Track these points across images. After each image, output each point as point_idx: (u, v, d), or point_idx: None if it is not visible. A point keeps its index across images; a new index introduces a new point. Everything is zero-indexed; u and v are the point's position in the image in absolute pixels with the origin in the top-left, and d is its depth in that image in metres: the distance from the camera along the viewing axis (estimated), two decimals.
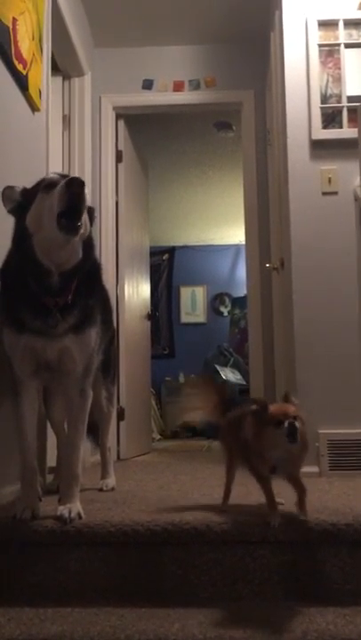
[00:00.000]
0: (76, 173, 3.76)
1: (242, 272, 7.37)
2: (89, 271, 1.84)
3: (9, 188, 1.79)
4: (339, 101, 3.13)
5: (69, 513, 1.73)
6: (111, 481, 2.48)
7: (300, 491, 1.71)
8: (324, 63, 3.16)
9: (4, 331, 1.83)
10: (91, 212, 1.84)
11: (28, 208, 1.75)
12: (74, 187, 1.67)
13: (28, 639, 1.41)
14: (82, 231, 1.73)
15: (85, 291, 1.83)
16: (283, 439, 1.60)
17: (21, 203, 1.77)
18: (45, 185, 1.74)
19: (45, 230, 1.71)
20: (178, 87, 4.23)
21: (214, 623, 1.48)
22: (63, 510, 1.75)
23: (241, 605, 1.61)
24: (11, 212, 1.79)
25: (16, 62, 2.29)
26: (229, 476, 1.93)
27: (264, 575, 1.68)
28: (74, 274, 1.78)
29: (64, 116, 3.77)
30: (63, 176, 1.79)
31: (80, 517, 1.75)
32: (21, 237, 1.76)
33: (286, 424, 1.59)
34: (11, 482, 2.04)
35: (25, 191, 1.80)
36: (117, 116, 4.30)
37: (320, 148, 3.12)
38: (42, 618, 1.52)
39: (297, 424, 1.61)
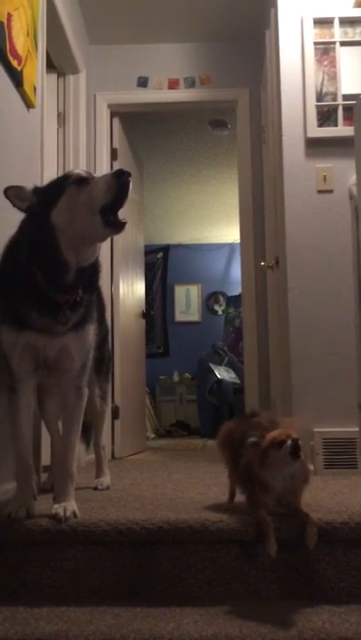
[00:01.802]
0: None
1: (236, 271, 7.38)
2: (94, 264, 1.84)
3: (13, 188, 1.75)
4: (334, 99, 3.13)
5: (64, 512, 1.73)
6: (106, 480, 2.48)
7: (306, 519, 1.66)
8: (319, 61, 3.16)
9: (3, 329, 1.81)
10: None
11: (52, 204, 1.71)
12: (124, 177, 1.67)
13: (22, 639, 1.40)
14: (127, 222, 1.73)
15: (89, 284, 1.83)
16: (286, 460, 1.60)
17: (41, 200, 1.73)
18: (76, 179, 1.73)
19: (81, 225, 1.69)
20: (173, 85, 4.22)
21: (209, 622, 1.48)
22: (58, 509, 1.74)
23: (236, 604, 1.61)
24: (27, 210, 1.75)
25: (11, 58, 2.27)
26: (232, 481, 1.93)
27: (259, 574, 1.68)
28: (87, 270, 1.78)
29: (59, 114, 3.76)
30: (87, 172, 1.79)
31: (75, 516, 1.74)
32: (42, 234, 1.72)
33: (290, 442, 1.59)
34: (5, 480, 2.03)
35: (40, 189, 1.77)
36: (112, 114, 4.29)
37: (315, 146, 3.13)
38: (36, 617, 1.52)
39: (300, 442, 1.60)
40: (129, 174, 1.68)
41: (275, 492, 1.65)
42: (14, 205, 1.74)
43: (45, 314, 1.75)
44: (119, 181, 1.67)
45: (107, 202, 1.67)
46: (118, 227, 1.71)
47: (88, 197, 1.69)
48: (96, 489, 2.39)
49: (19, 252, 1.77)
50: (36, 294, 1.74)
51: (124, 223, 1.71)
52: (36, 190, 1.76)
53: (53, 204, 1.72)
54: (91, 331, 1.89)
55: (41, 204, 1.73)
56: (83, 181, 1.72)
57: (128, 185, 1.67)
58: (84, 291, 1.80)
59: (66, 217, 1.70)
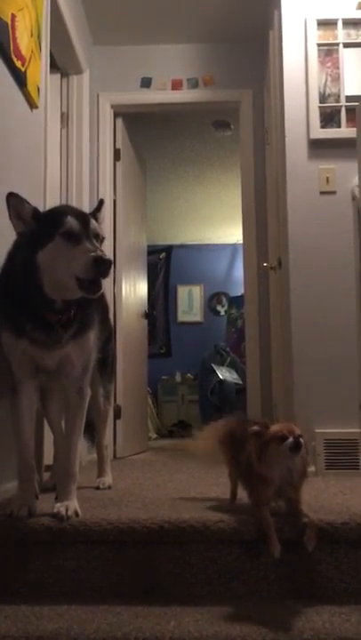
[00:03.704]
0: (73, 171, 3.76)
1: (239, 272, 7.38)
2: None
3: (16, 198, 1.72)
4: (337, 101, 3.13)
5: (66, 510, 1.73)
6: (108, 479, 2.48)
7: (306, 521, 1.67)
8: (322, 63, 3.16)
9: (3, 333, 1.81)
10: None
11: (41, 244, 1.68)
12: (104, 267, 1.61)
13: (24, 637, 1.41)
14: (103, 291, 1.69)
15: (85, 302, 1.79)
16: (285, 454, 1.61)
17: (34, 232, 1.70)
18: (67, 232, 1.67)
19: (60, 278, 1.67)
20: (176, 85, 4.22)
21: (210, 621, 1.48)
22: (60, 508, 1.74)
23: (237, 604, 1.61)
24: (20, 235, 1.73)
25: (15, 59, 2.28)
26: (233, 480, 1.93)
27: (260, 574, 1.68)
28: (79, 299, 1.76)
29: (62, 114, 3.77)
30: (83, 221, 1.70)
31: (77, 515, 1.74)
32: (27, 268, 1.70)
33: (291, 439, 1.61)
34: (7, 479, 2.03)
35: (38, 215, 1.73)
36: (115, 115, 4.29)
37: (318, 148, 3.13)
38: (38, 615, 1.52)
39: (302, 440, 1.62)
40: (110, 264, 1.63)
41: (273, 484, 1.66)
42: (10, 218, 1.72)
43: (39, 328, 1.74)
44: (96, 270, 1.62)
45: (82, 277, 1.64)
46: (93, 292, 1.67)
47: (70, 260, 1.64)
48: (98, 488, 2.40)
49: (15, 264, 1.76)
50: (30, 309, 1.73)
51: (99, 291, 1.66)
52: (35, 215, 1.73)
53: (41, 245, 1.68)
54: (91, 336, 1.89)
55: (32, 236, 1.70)
56: (72, 237, 1.66)
57: (106, 274, 1.62)
58: (80, 307, 1.78)
59: (48, 264, 1.67)
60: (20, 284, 1.73)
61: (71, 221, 1.69)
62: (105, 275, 1.62)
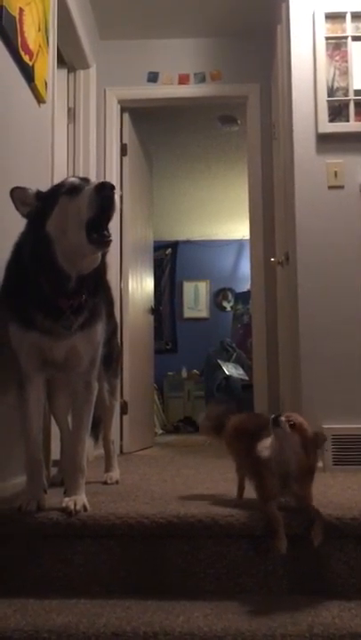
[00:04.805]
0: (80, 166, 3.76)
1: (245, 267, 7.37)
2: (98, 269, 1.81)
3: (20, 190, 1.73)
4: (346, 95, 3.11)
5: (75, 505, 1.73)
6: (115, 474, 2.49)
7: (315, 516, 1.66)
8: (331, 56, 3.14)
9: (11, 327, 1.81)
10: None
11: (48, 213, 1.69)
12: (105, 190, 1.60)
13: (33, 630, 1.41)
14: (112, 240, 1.67)
15: (94, 289, 1.80)
16: (269, 430, 1.65)
17: (39, 207, 1.71)
18: (68, 189, 1.68)
19: (71, 238, 1.65)
20: (183, 80, 4.21)
21: (219, 616, 1.48)
22: (69, 502, 1.74)
23: (246, 599, 1.61)
24: (27, 216, 1.74)
25: (22, 53, 2.27)
26: (240, 475, 1.93)
27: (268, 569, 1.68)
28: (90, 276, 1.76)
29: (69, 109, 3.77)
30: (84, 179, 1.74)
31: (85, 509, 1.74)
32: (39, 243, 1.70)
33: (272, 416, 1.65)
34: (16, 474, 2.04)
35: (41, 194, 1.75)
36: (122, 109, 4.29)
37: (326, 142, 3.11)
38: (47, 609, 1.52)
39: (282, 417, 1.65)
40: (112, 187, 1.61)
41: (275, 470, 1.66)
42: (17, 209, 1.73)
43: (50, 317, 1.74)
44: (100, 195, 1.60)
45: (90, 217, 1.61)
46: (101, 245, 1.65)
47: (76, 210, 1.64)
48: (105, 483, 2.40)
49: (24, 250, 1.76)
50: (40, 298, 1.73)
51: (108, 241, 1.64)
52: (38, 195, 1.74)
53: (48, 214, 1.69)
54: (99, 329, 1.89)
55: (38, 211, 1.71)
56: (74, 191, 1.67)
57: (111, 199, 1.59)
58: (89, 294, 1.78)
59: (58, 228, 1.67)
60: (31, 269, 1.73)
61: (71, 179, 1.73)
62: (111, 199, 1.60)
